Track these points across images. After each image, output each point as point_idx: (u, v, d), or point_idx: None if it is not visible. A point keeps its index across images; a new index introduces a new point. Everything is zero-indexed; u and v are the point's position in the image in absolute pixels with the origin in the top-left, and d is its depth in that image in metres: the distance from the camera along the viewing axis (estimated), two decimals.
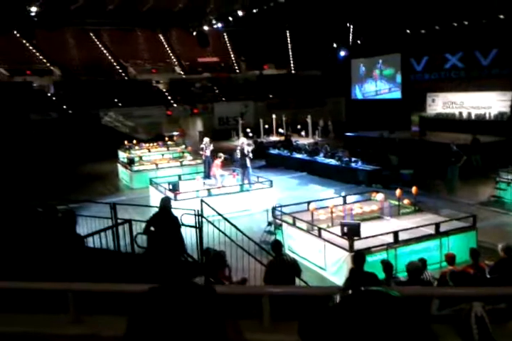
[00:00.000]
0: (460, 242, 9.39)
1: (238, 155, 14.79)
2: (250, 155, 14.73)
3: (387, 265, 7.28)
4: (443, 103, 26.22)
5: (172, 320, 0.96)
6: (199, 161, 18.45)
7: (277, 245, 7.54)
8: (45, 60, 34.90)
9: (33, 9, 31.58)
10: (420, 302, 4.17)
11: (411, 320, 0.77)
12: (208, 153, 16.08)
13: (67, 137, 25.02)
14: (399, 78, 28.96)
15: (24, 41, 34.69)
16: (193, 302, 0.99)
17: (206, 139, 16.86)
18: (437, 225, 9.41)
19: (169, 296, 1.01)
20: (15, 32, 34.40)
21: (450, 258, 7.51)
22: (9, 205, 9.88)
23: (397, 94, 29.12)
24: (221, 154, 15.30)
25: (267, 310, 3.62)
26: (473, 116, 24.30)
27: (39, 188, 14.81)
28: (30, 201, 10.98)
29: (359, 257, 7.21)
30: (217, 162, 14.90)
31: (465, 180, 15.26)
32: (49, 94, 32.31)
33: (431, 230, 9.44)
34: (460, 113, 25.02)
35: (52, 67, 34.68)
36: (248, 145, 15.10)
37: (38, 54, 34.96)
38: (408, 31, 28.28)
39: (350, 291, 0.82)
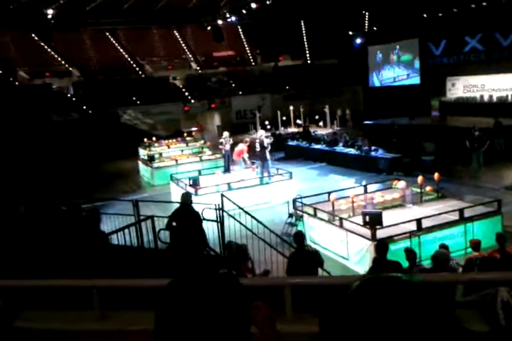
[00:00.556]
0: (485, 228, 9.24)
1: (258, 148, 14.83)
2: (269, 147, 14.74)
3: (410, 253, 7.22)
4: (463, 87, 25.70)
5: (197, 311, 0.95)
6: (218, 156, 18.52)
7: (299, 236, 7.55)
8: (63, 62, 35.38)
9: (50, 12, 31.99)
10: (445, 288, 4.12)
11: (431, 304, 0.75)
12: (227, 147, 16.10)
13: (89, 136, 25.36)
14: (417, 63, 28.46)
15: (42, 44, 35.20)
16: (216, 292, 0.99)
17: (226, 133, 16.87)
18: (461, 211, 9.28)
19: (192, 287, 1.00)
20: (33, 35, 34.91)
21: (475, 244, 7.41)
22: (34, 205, 10.08)
23: (415, 80, 28.63)
24: (247, 139, 15.62)
25: (289, 301, 3.62)
26: (494, 99, 23.77)
27: (63, 187, 15.06)
28: (54, 200, 11.18)
29: (382, 246, 7.17)
30: (244, 146, 15.17)
31: (489, 165, 14.99)
32: (69, 95, 32.77)
33: (455, 216, 9.31)
34: (481, 96, 24.50)
35: (70, 69, 35.15)
36: (266, 137, 15.14)
37: (56, 56, 35.45)
38: (425, 15, 27.72)
39: (367, 278, 0.81)
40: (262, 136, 15.26)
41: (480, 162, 14.56)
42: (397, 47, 29.59)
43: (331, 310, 0.81)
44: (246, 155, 15.46)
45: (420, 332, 0.72)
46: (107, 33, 38.19)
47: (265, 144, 14.72)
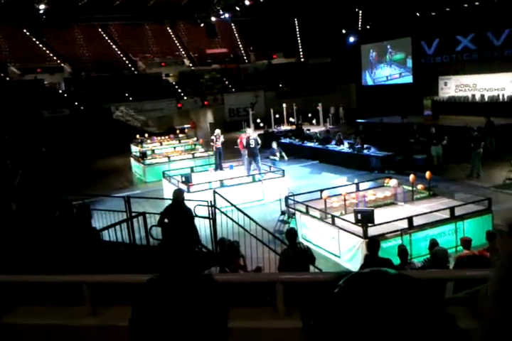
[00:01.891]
0: (476, 226, 9.30)
1: (252, 144, 14.87)
2: (259, 145, 15.06)
3: (402, 251, 7.25)
4: (455, 86, 25.86)
5: (170, 309, 0.96)
6: (211, 153, 18.48)
7: (291, 233, 7.56)
8: (55, 58, 35.12)
9: (42, 7, 31.73)
10: (435, 286, 4.15)
11: (420, 299, 0.75)
12: (219, 144, 16.10)
13: (80, 133, 25.22)
14: (409, 62, 28.59)
15: (34, 39, 34.91)
16: (190, 291, 0.99)
17: (217, 131, 16.89)
18: (452, 209, 9.33)
19: (166, 286, 1.01)
20: (24, 30, 34.62)
21: (466, 242, 7.46)
22: (25, 201, 10.02)
23: (408, 79, 28.77)
24: (249, 129, 16.07)
25: (280, 297, 3.63)
26: (486, 99, 23.94)
27: (54, 184, 14.97)
28: (45, 196, 11.12)
29: (373, 243, 7.21)
30: (245, 136, 15.51)
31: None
32: (60, 91, 32.55)
33: (446, 214, 9.37)
34: (473, 95, 24.66)
35: (62, 64, 34.89)
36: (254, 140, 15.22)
37: (48, 51, 35.18)
38: (418, 14, 27.82)
39: (350, 273, 0.81)
40: (252, 134, 15.36)
41: (476, 161, 14.63)
42: (390, 45, 29.70)
43: (318, 305, 0.81)
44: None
45: (410, 328, 0.72)
46: (100, 29, 37.96)
47: (259, 141, 14.98)
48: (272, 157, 17.11)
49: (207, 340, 0.96)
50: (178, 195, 8.50)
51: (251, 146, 14.80)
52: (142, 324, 0.95)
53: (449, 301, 3.53)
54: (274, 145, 17.64)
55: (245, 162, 15.27)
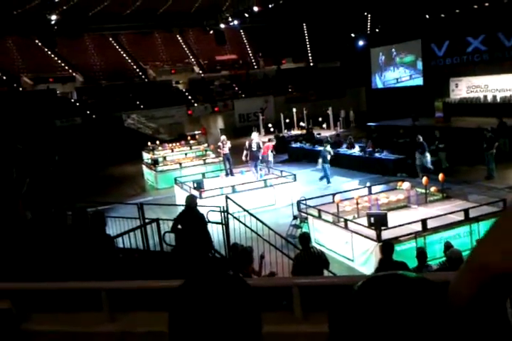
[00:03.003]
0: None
1: (254, 148, 15.39)
2: (261, 147, 16.06)
3: (421, 253, 7.21)
4: (467, 87, 25.67)
5: (209, 312, 0.97)
6: (221, 159, 18.53)
7: (304, 238, 7.54)
8: (67, 67, 35.57)
9: (53, 17, 32.18)
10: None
11: (432, 301, 0.76)
12: (226, 150, 16.20)
13: (92, 141, 25.46)
14: (420, 64, 28.46)
15: (46, 49, 35.39)
16: (227, 293, 1.00)
17: (223, 137, 17.10)
18: (466, 211, 9.25)
19: (204, 289, 1.02)
20: (36, 41, 35.11)
21: None
22: (40, 210, 10.12)
23: (418, 81, 28.63)
24: (254, 134, 16.53)
25: (297, 301, 3.63)
26: (498, 99, 23.73)
27: (68, 192, 15.11)
28: (60, 205, 11.22)
29: (387, 247, 7.17)
30: (270, 144, 16.41)
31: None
32: (72, 100, 32.91)
33: (460, 216, 9.29)
34: (485, 96, 24.46)
35: (74, 74, 35.31)
36: (270, 141, 15.75)
37: (59, 61, 35.65)
38: (427, 16, 27.73)
39: (367, 277, 0.82)
40: (255, 138, 15.89)
41: (490, 162, 14.51)
42: (400, 48, 29.61)
43: (337, 310, 0.81)
44: (270, 154, 16.92)
45: (426, 330, 0.73)
46: (110, 38, 38.40)
47: (260, 145, 15.88)
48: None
49: None
50: (191, 201, 8.54)
51: (253, 149, 15.20)
52: (181, 330, 0.96)
53: None
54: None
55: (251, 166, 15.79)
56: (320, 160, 16.50)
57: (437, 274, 5.43)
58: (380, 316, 0.74)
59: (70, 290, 4.19)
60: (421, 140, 15.44)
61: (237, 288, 1.02)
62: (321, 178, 16.09)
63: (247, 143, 15.77)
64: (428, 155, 15.24)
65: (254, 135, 16.33)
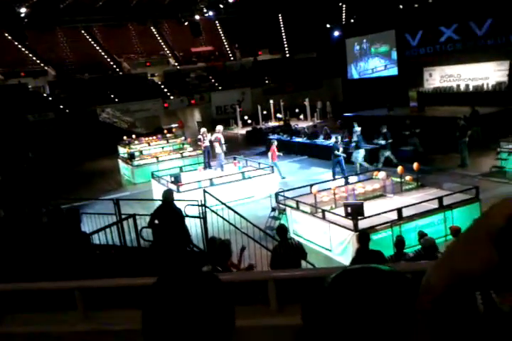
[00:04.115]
0: (464, 214, 9.39)
1: (223, 141, 15.38)
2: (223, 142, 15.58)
3: (399, 241, 7.33)
4: (440, 77, 25.99)
5: (182, 308, 0.97)
6: (199, 152, 18.45)
7: (282, 230, 7.59)
8: (38, 61, 34.80)
9: (23, 10, 31.38)
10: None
11: (403, 293, 0.77)
12: (206, 143, 16.11)
13: (67, 136, 25.03)
14: (394, 54, 28.68)
15: (16, 43, 34.55)
16: (197, 290, 1.01)
17: (203, 129, 16.97)
18: (440, 199, 9.42)
19: (176, 286, 1.02)
20: (6, 34, 34.24)
21: (455, 231, 7.52)
22: (13, 207, 9.95)
23: (393, 71, 28.86)
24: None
25: (272, 294, 3.65)
26: (471, 88, 24.09)
27: (42, 189, 14.87)
28: (33, 202, 11.04)
29: (363, 236, 7.26)
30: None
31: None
32: (45, 95, 32.27)
33: (434, 204, 9.45)
34: (458, 85, 24.81)
35: (46, 68, 34.58)
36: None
37: (30, 55, 34.85)
38: (401, 6, 27.91)
39: (340, 270, 0.82)
40: (220, 131, 15.71)
41: (463, 151, 14.77)
42: (374, 38, 29.77)
43: (309, 303, 0.82)
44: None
45: (395, 322, 0.73)
46: (83, 31, 37.66)
47: (222, 140, 15.41)
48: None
49: (214, 338, 0.98)
50: (168, 195, 8.48)
51: (222, 143, 15.27)
52: (155, 326, 0.97)
53: None
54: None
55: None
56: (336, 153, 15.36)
57: (414, 264, 5.52)
58: (350, 309, 0.74)
59: (43, 290, 4.13)
60: (385, 130, 15.68)
61: (209, 284, 1.03)
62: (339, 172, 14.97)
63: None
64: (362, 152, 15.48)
65: (220, 127, 16.08)
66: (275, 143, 16.44)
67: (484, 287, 0.70)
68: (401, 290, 0.76)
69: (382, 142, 15.63)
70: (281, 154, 16.49)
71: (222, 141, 15.39)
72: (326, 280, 0.81)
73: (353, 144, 16.04)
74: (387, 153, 15.44)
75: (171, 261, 6.86)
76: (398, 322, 0.73)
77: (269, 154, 16.12)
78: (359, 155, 15.42)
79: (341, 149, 15.02)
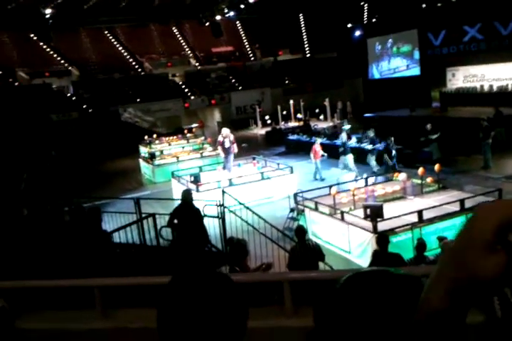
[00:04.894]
0: None
1: (227, 144, 14.95)
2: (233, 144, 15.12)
3: (420, 244, 7.25)
4: (464, 77, 25.60)
5: (195, 307, 1.00)
6: (219, 152, 18.50)
7: (301, 231, 7.58)
8: (62, 61, 35.37)
9: (48, 11, 31.92)
10: None
11: (414, 297, 0.77)
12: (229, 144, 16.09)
13: (89, 135, 25.40)
14: (417, 54, 28.34)
15: (41, 44, 35.18)
16: (209, 290, 1.03)
17: (224, 130, 16.91)
18: (462, 202, 9.28)
19: (190, 285, 1.05)
20: (31, 35, 34.89)
21: None
22: (37, 206, 10.14)
23: (415, 71, 28.53)
24: (225, 129, 15.41)
25: (288, 295, 3.65)
26: (495, 89, 23.67)
27: (64, 187, 15.11)
28: (56, 201, 11.23)
29: (382, 238, 7.21)
30: (317, 147, 15.43)
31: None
32: (68, 95, 32.79)
33: (456, 207, 9.31)
34: (481, 86, 24.40)
35: (70, 68, 35.13)
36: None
37: (55, 55, 35.44)
38: (424, 5, 27.56)
39: (351, 273, 0.83)
40: (227, 133, 15.16)
41: (486, 152, 14.54)
42: (396, 38, 29.47)
43: (321, 305, 0.83)
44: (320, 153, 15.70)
45: (404, 325, 0.74)
46: (106, 31, 38.14)
47: (231, 139, 15.00)
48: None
49: (225, 339, 1.00)
50: (186, 195, 8.56)
51: (226, 146, 14.87)
52: (168, 325, 0.99)
53: None
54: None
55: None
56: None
57: (434, 267, 5.46)
58: (360, 311, 0.75)
59: (63, 288, 4.20)
60: (372, 135, 15.88)
61: (221, 284, 1.04)
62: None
63: (317, 149, 15.48)
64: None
65: (227, 131, 15.38)
66: (318, 141, 16.09)
67: (496, 291, 0.65)
68: (411, 294, 0.76)
69: (369, 147, 15.63)
70: (325, 155, 15.96)
71: (226, 145, 14.86)
72: (337, 283, 0.82)
73: (341, 149, 15.96)
74: (373, 159, 15.44)
75: (188, 261, 6.91)
76: (407, 326, 0.73)
77: (311, 154, 15.70)
78: (348, 160, 15.55)
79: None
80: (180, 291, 1.03)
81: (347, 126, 16.42)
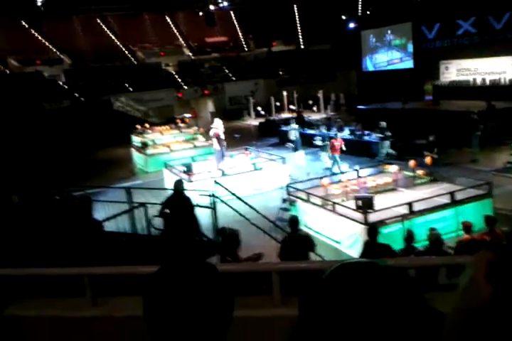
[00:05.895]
0: (476, 210, 9.32)
1: (222, 136, 14.80)
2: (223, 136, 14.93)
3: (409, 235, 7.32)
4: (457, 70, 25.63)
5: (181, 297, 1.01)
6: (212, 142, 18.46)
7: (294, 221, 7.59)
8: (54, 49, 35.02)
9: None
10: (428, 271, 4.16)
11: (401, 290, 0.78)
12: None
13: (81, 124, 25.21)
14: (410, 47, 28.30)
15: (33, 31, 34.76)
16: (194, 280, 1.04)
17: (216, 120, 16.85)
18: (452, 194, 9.35)
19: (175, 276, 1.06)
20: (23, 23, 34.44)
21: (466, 227, 7.48)
22: (27, 194, 10.08)
23: (409, 64, 28.50)
24: (217, 120, 15.20)
25: (276, 285, 3.67)
26: (487, 82, 23.73)
27: (55, 176, 15.03)
28: (47, 189, 11.18)
29: (372, 230, 7.26)
30: (336, 142, 15.05)
31: (480, 148, 15.07)
32: (60, 83, 32.49)
33: (446, 199, 9.39)
34: (474, 79, 24.45)
35: (62, 56, 34.78)
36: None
37: (47, 43, 35.07)
38: None
39: (337, 264, 0.84)
40: (217, 126, 14.97)
41: (474, 145, 14.66)
42: (390, 31, 29.39)
43: (306, 295, 0.83)
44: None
45: (389, 317, 0.74)
46: (98, 20, 37.73)
47: (222, 136, 14.77)
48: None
49: (209, 328, 1.01)
50: (178, 185, 8.55)
51: (222, 138, 14.74)
52: (155, 314, 1.00)
53: (442, 287, 3.56)
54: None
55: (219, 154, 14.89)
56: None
57: (421, 259, 5.53)
58: (345, 302, 0.75)
59: (54, 276, 4.20)
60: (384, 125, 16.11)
61: (207, 274, 1.05)
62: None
63: (220, 132, 14.87)
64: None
65: (219, 122, 15.15)
66: (339, 135, 15.84)
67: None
68: (397, 285, 0.77)
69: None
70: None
71: (222, 137, 14.72)
72: (323, 273, 0.82)
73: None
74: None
75: (178, 251, 6.92)
76: (390, 317, 0.74)
77: (328, 148, 15.26)
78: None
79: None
80: (165, 281, 1.05)
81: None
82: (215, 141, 14.81)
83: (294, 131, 18.29)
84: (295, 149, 15.99)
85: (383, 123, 16.53)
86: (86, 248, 6.26)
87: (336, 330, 0.75)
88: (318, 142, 16.56)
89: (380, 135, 16.30)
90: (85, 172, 17.42)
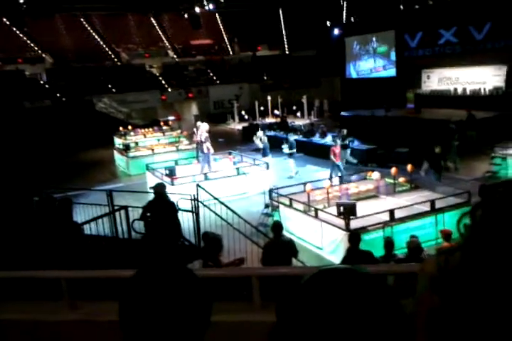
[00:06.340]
0: (456, 218, 9.36)
1: (206, 140, 14.75)
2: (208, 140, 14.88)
3: (388, 243, 7.36)
4: (438, 79, 26.03)
5: (153, 303, 0.99)
6: (195, 146, 18.39)
7: (277, 227, 7.57)
8: (36, 48, 34.56)
9: None
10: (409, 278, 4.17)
11: (377, 296, 0.78)
12: (199, 137, 15.99)
13: (62, 124, 24.85)
14: (393, 55, 28.68)
15: (14, 29, 34.27)
16: (170, 285, 1.03)
17: (199, 123, 16.81)
18: (432, 202, 9.47)
19: (150, 281, 1.05)
20: (4, 20, 33.95)
21: (446, 235, 7.57)
22: (5, 195, 9.89)
23: (391, 72, 28.87)
24: (202, 124, 15.18)
25: (256, 290, 3.66)
26: (468, 92, 24.15)
27: (35, 177, 14.79)
28: (26, 190, 10.99)
29: (354, 236, 7.29)
30: (337, 149, 14.73)
31: (460, 157, 15.28)
32: (42, 82, 32.06)
33: (426, 207, 9.50)
34: (455, 89, 24.86)
35: (44, 55, 34.34)
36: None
37: (28, 42, 34.61)
38: (402, 7, 27.91)
39: (316, 270, 0.84)
40: (206, 129, 15.03)
41: (451, 153, 14.85)
42: (374, 38, 29.74)
43: (284, 300, 0.84)
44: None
45: (365, 323, 0.74)
46: (82, 19, 37.39)
47: (204, 138, 14.71)
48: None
49: (186, 333, 1.00)
50: (160, 188, 8.48)
51: (204, 142, 14.69)
52: (130, 317, 0.99)
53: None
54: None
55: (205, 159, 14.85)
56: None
57: (400, 266, 5.57)
58: (321, 308, 0.76)
59: (31, 279, 4.12)
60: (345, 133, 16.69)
61: (184, 279, 1.05)
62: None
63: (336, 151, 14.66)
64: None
65: (206, 125, 15.20)
66: (338, 142, 15.49)
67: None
68: (374, 292, 0.78)
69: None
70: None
71: (203, 139, 14.67)
72: (302, 279, 0.83)
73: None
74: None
75: (158, 255, 6.86)
76: (366, 323, 0.74)
77: (331, 156, 14.61)
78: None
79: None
80: (140, 285, 1.04)
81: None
82: (208, 144, 14.71)
83: (259, 139, 18.19)
84: (263, 155, 15.98)
85: (344, 131, 16.92)
86: (65, 251, 6.16)
87: (311, 336, 0.76)
88: (285, 150, 16.52)
89: (341, 143, 15.83)
90: (66, 174, 17.17)
